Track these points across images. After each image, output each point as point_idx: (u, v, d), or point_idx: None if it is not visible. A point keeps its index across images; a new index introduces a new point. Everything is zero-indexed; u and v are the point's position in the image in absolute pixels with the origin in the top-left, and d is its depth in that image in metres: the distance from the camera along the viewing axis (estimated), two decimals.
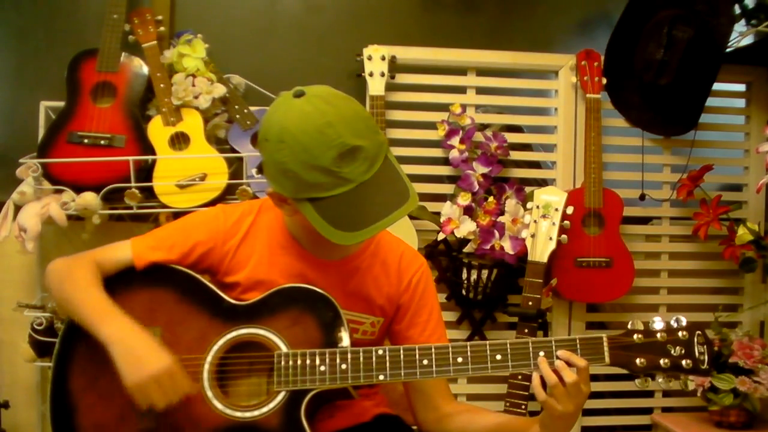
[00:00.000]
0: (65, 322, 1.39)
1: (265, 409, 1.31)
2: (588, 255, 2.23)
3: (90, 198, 1.97)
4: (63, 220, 2.00)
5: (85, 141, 2.03)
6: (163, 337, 1.34)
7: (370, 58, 2.25)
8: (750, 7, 2.30)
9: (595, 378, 2.33)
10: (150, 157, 2.05)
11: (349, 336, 1.34)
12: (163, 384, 1.24)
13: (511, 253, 2.17)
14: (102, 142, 2.04)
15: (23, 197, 2.01)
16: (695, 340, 1.27)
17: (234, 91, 2.20)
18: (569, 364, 1.25)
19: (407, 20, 2.48)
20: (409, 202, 1.24)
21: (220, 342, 1.34)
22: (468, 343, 1.32)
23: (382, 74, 2.24)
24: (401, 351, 1.32)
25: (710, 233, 2.28)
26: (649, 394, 2.44)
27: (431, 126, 2.32)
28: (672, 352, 1.27)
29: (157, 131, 2.09)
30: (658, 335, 1.28)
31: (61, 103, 2.10)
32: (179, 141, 2.09)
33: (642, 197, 2.39)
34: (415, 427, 1.52)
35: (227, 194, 2.06)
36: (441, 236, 2.23)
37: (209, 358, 1.34)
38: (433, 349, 1.32)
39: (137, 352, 1.25)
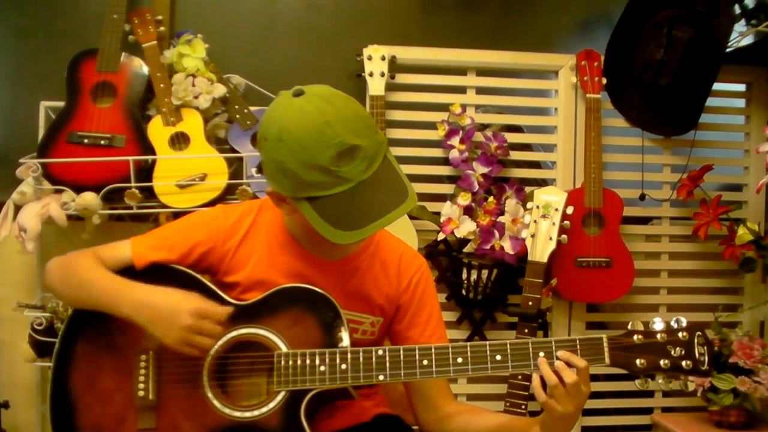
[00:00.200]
0: (65, 321, 1.39)
1: (265, 409, 1.31)
2: (588, 255, 2.23)
3: (90, 198, 1.97)
4: (63, 220, 2.00)
5: (85, 141, 2.03)
6: None
7: (370, 58, 2.25)
8: (750, 7, 2.30)
9: (595, 378, 2.33)
10: (150, 157, 2.05)
11: (349, 336, 1.34)
12: (201, 328, 1.27)
13: (511, 253, 2.17)
14: (102, 142, 2.03)
15: (23, 197, 2.01)
16: (695, 340, 1.27)
17: (234, 91, 2.20)
18: (569, 364, 1.25)
19: (407, 20, 2.48)
20: (408, 201, 1.24)
21: (220, 342, 1.34)
22: (468, 343, 1.33)
23: (382, 74, 2.24)
24: (401, 351, 1.32)
25: (710, 233, 2.28)
26: (649, 394, 2.44)
27: (431, 126, 2.32)
28: (672, 352, 1.27)
29: (157, 131, 2.09)
30: (658, 336, 1.28)
31: (61, 103, 2.10)
32: (179, 141, 2.09)
33: (642, 197, 2.39)
34: (415, 427, 1.52)
35: (227, 194, 2.06)
36: (441, 236, 2.22)
37: (209, 358, 1.34)
38: (433, 350, 1.32)
39: (163, 311, 1.27)
